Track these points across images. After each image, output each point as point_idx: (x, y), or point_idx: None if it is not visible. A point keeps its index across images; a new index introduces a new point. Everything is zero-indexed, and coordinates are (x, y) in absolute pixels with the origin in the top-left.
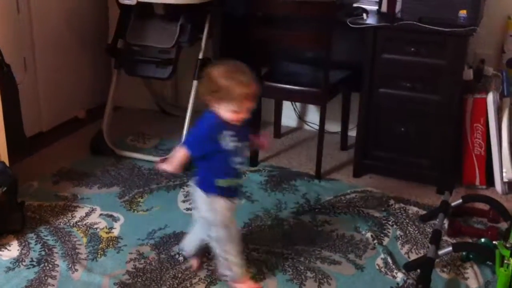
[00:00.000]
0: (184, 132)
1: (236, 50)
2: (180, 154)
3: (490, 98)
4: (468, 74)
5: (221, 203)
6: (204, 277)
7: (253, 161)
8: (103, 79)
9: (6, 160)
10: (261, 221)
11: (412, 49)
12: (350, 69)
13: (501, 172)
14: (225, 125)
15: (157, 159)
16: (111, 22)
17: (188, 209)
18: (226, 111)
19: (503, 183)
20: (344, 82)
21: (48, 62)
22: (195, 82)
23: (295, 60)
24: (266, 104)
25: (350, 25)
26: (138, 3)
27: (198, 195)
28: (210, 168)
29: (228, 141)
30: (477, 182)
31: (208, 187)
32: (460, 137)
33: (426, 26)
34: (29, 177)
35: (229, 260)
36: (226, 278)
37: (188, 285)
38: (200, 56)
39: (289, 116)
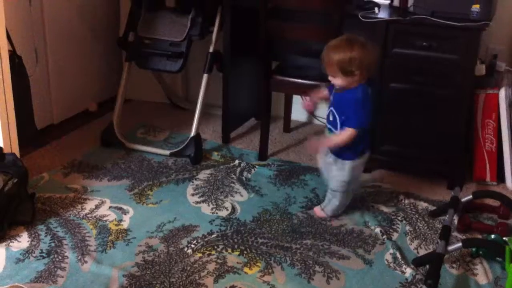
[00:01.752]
0: (194, 125)
1: (247, 44)
2: None
3: (502, 93)
4: (480, 69)
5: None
6: (213, 270)
7: (262, 155)
8: (114, 72)
9: (17, 152)
10: (270, 215)
11: (424, 43)
12: None
13: None
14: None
15: (166, 152)
16: (122, 15)
17: (197, 202)
18: None
19: None
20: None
21: (59, 54)
22: (205, 76)
23: (306, 54)
24: (276, 99)
25: (362, 19)
26: None
27: None
28: None
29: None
30: (488, 178)
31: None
32: (471, 132)
33: (439, 20)
34: (39, 169)
35: None
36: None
37: (197, 278)
38: (211, 50)
39: (298, 110)
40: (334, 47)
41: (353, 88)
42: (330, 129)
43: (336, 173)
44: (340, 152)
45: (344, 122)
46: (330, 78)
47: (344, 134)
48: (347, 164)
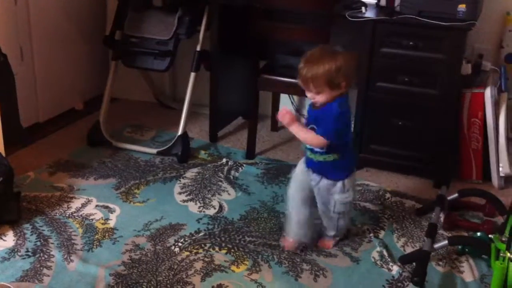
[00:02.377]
0: (181, 124)
1: (235, 43)
2: None
3: (488, 92)
4: (466, 68)
5: (300, 163)
6: (200, 268)
7: (250, 153)
8: (100, 70)
9: (2, 150)
10: (257, 213)
11: (411, 43)
12: None
13: (498, 166)
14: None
15: (153, 151)
16: (109, 13)
17: (184, 200)
18: None
19: (500, 177)
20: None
21: (45, 52)
22: (192, 74)
23: (294, 53)
24: (264, 98)
25: (349, 18)
26: None
27: None
28: None
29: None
30: (474, 177)
31: None
32: (457, 131)
33: (425, 20)
34: (25, 168)
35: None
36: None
37: (184, 276)
38: (198, 48)
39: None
40: (317, 59)
41: (328, 104)
42: (311, 149)
43: (339, 196)
44: (336, 173)
45: (319, 132)
46: (311, 96)
47: (316, 138)
48: (348, 182)
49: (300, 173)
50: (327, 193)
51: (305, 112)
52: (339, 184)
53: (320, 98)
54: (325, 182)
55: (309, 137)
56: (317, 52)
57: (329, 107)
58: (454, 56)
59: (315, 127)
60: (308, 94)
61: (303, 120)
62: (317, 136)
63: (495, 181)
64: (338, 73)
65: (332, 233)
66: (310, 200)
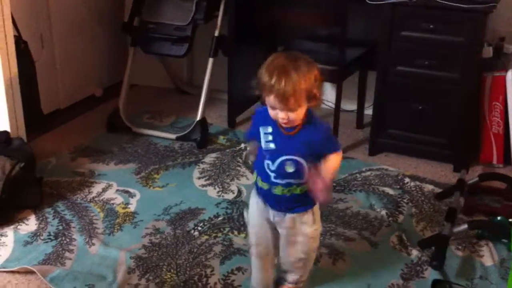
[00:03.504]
0: (200, 110)
1: (252, 28)
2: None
3: (510, 76)
4: (488, 51)
5: (252, 196)
6: (219, 252)
7: None
8: (119, 57)
9: (24, 136)
10: None
11: (431, 26)
12: (366, 47)
13: None
14: (267, 120)
15: (172, 136)
16: None
17: (203, 185)
18: (269, 104)
19: None
20: (361, 60)
21: (65, 39)
22: (210, 60)
23: (311, 38)
24: None
25: (368, 1)
26: None
27: None
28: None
29: (264, 137)
30: (494, 161)
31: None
32: (478, 115)
33: (445, 2)
34: (46, 153)
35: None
36: None
37: (203, 259)
38: (216, 34)
39: None
40: (292, 68)
41: (308, 122)
42: (288, 183)
43: (310, 230)
44: (305, 201)
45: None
46: (284, 115)
47: (335, 159)
48: (315, 209)
49: (257, 212)
50: (293, 231)
51: (323, 97)
52: (309, 214)
53: (294, 116)
54: (291, 216)
55: (332, 165)
56: (282, 60)
57: (313, 126)
58: (475, 39)
59: (290, 159)
60: (281, 114)
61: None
62: (334, 157)
63: None
64: (316, 82)
65: (296, 277)
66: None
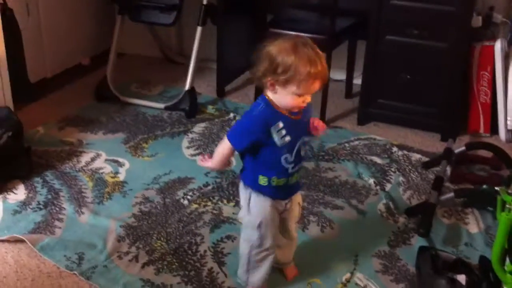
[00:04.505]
0: (189, 79)
1: None
2: (222, 148)
3: (498, 45)
4: (477, 21)
5: (260, 202)
6: (209, 220)
7: None
8: (107, 25)
9: (11, 105)
10: None
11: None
12: (356, 16)
13: (506, 120)
14: (275, 117)
15: (161, 106)
16: None
17: (192, 155)
18: (288, 96)
19: (507, 131)
20: (350, 29)
21: (51, 7)
22: (199, 29)
23: (301, 6)
24: None
25: None
26: None
27: (241, 190)
28: (256, 162)
29: (278, 135)
30: (481, 130)
31: (252, 182)
32: (466, 85)
33: None
34: (34, 123)
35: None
36: (239, 281)
37: (193, 228)
38: (204, 2)
39: None
40: (320, 54)
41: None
42: (300, 167)
43: (300, 196)
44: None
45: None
46: (309, 98)
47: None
48: None
49: (272, 214)
50: (297, 205)
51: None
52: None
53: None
54: (297, 193)
55: None
56: (307, 47)
57: (305, 111)
58: (465, 9)
59: (302, 141)
60: (309, 98)
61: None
62: None
63: (502, 134)
64: None
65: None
66: None
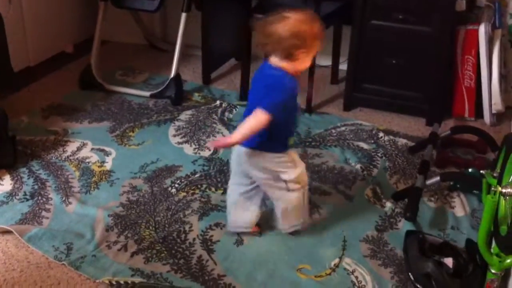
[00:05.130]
0: (174, 66)
1: None
2: (257, 122)
3: (482, 29)
4: (461, 4)
5: (296, 157)
6: (197, 208)
7: (243, 95)
8: (90, 12)
9: None
10: None
11: None
12: (341, 1)
13: (490, 103)
14: (295, 81)
15: (146, 94)
16: None
17: (179, 143)
18: (307, 60)
19: (492, 114)
20: (335, 14)
21: None
22: (183, 15)
23: None
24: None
25: None
26: None
27: (267, 159)
28: (284, 127)
29: (296, 98)
30: (466, 114)
31: (283, 146)
32: (450, 69)
33: None
34: (18, 112)
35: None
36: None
37: (182, 216)
38: None
39: None
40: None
41: None
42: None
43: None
44: None
45: None
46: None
47: None
48: None
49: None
50: None
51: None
52: None
53: None
54: None
55: None
56: (316, 23)
57: None
58: None
59: None
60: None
61: None
62: None
63: (487, 118)
64: None
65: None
66: None
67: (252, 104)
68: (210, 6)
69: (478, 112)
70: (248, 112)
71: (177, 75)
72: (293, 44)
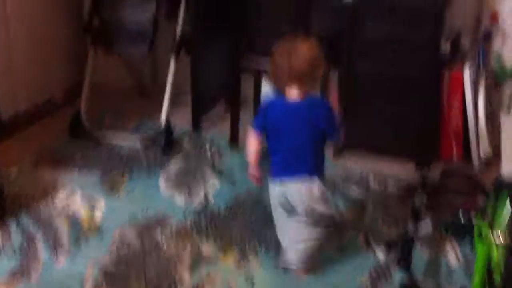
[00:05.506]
0: (164, 112)
1: (215, 26)
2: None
3: (467, 72)
4: (445, 47)
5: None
6: (188, 259)
7: (234, 140)
8: (79, 57)
9: None
10: (243, 202)
11: (390, 23)
12: (328, 45)
13: (478, 147)
14: None
15: (136, 141)
16: None
17: (169, 191)
18: None
19: (480, 157)
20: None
21: (22, 40)
22: (173, 59)
23: (274, 34)
24: (245, 82)
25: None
26: None
27: (316, 186)
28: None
29: None
30: (455, 157)
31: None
32: (437, 112)
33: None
34: (7, 162)
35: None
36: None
37: (172, 268)
38: (178, 32)
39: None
40: None
41: None
42: None
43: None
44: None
45: None
46: None
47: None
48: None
49: None
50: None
51: None
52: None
53: None
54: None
55: None
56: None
57: None
58: (433, 35)
59: None
60: None
61: None
62: None
63: (475, 161)
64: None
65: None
66: None
67: (312, 134)
68: (200, 51)
69: (466, 155)
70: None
71: (167, 122)
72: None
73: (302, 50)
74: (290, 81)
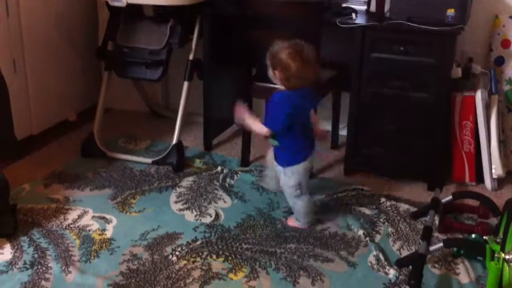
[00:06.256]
0: (176, 133)
1: (227, 51)
2: None
3: (479, 95)
4: (457, 72)
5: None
6: (198, 277)
7: (244, 161)
8: (93, 81)
9: None
10: (253, 220)
11: (401, 48)
12: (339, 69)
13: (490, 168)
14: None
15: (148, 160)
16: (101, 24)
17: (180, 209)
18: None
19: (493, 179)
20: (334, 81)
21: (38, 64)
22: (186, 83)
23: None
24: (256, 104)
25: (339, 25)
26: (128, 5)
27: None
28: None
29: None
30: (467, 179)
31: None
32: (449, 134)
33: (414, 25)
34: (20, 180)
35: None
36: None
37: (182, 285)
38: (191, 57)
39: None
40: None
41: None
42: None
43: (283, 181)
44: (283, 159)
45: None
46: None
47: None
48: (289, 169)
49: None
50: (279, 177)
51: None
52: (286, 169)
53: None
54: (277, 166)
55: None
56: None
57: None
58: (444, 60)
59: None
60: None
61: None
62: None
63: (488, 183)
64: (275, 58)
65: (295, 215)
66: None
67: None
68: (212, 75)
69: (478, 176)
70: None
71: (179, 142)
72: None
73: (312, 56)
74: (301, 83)
